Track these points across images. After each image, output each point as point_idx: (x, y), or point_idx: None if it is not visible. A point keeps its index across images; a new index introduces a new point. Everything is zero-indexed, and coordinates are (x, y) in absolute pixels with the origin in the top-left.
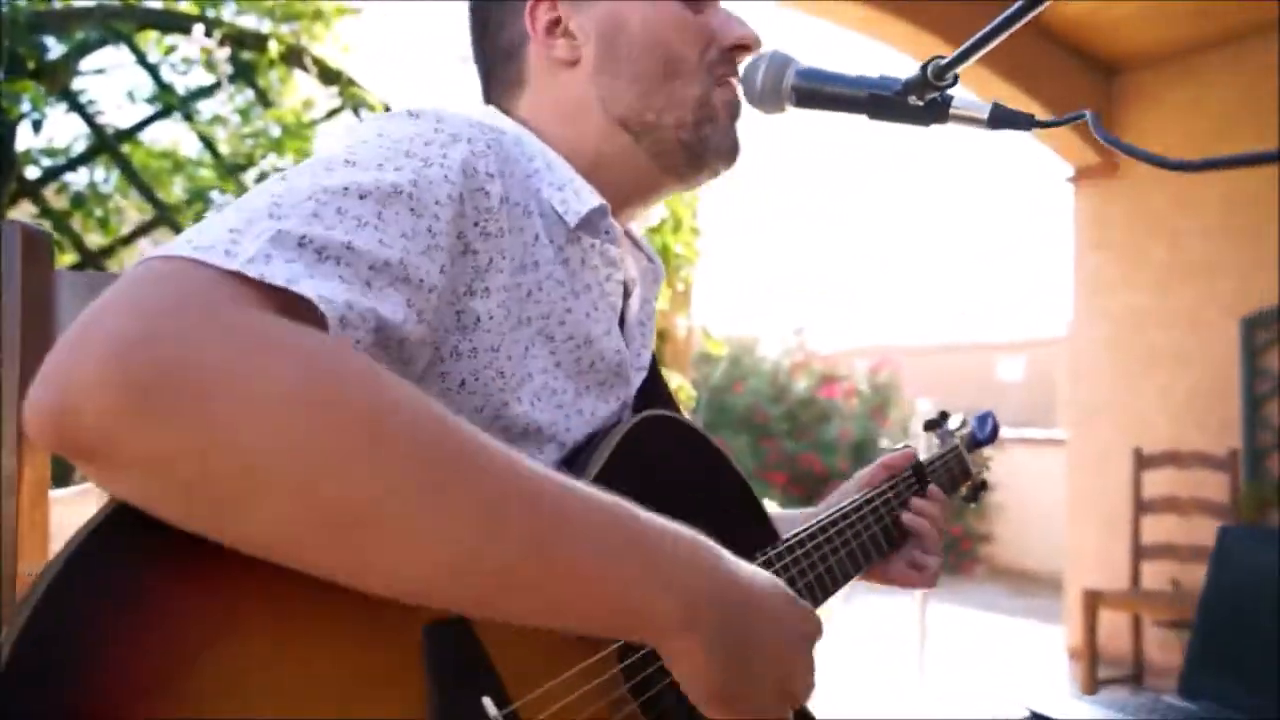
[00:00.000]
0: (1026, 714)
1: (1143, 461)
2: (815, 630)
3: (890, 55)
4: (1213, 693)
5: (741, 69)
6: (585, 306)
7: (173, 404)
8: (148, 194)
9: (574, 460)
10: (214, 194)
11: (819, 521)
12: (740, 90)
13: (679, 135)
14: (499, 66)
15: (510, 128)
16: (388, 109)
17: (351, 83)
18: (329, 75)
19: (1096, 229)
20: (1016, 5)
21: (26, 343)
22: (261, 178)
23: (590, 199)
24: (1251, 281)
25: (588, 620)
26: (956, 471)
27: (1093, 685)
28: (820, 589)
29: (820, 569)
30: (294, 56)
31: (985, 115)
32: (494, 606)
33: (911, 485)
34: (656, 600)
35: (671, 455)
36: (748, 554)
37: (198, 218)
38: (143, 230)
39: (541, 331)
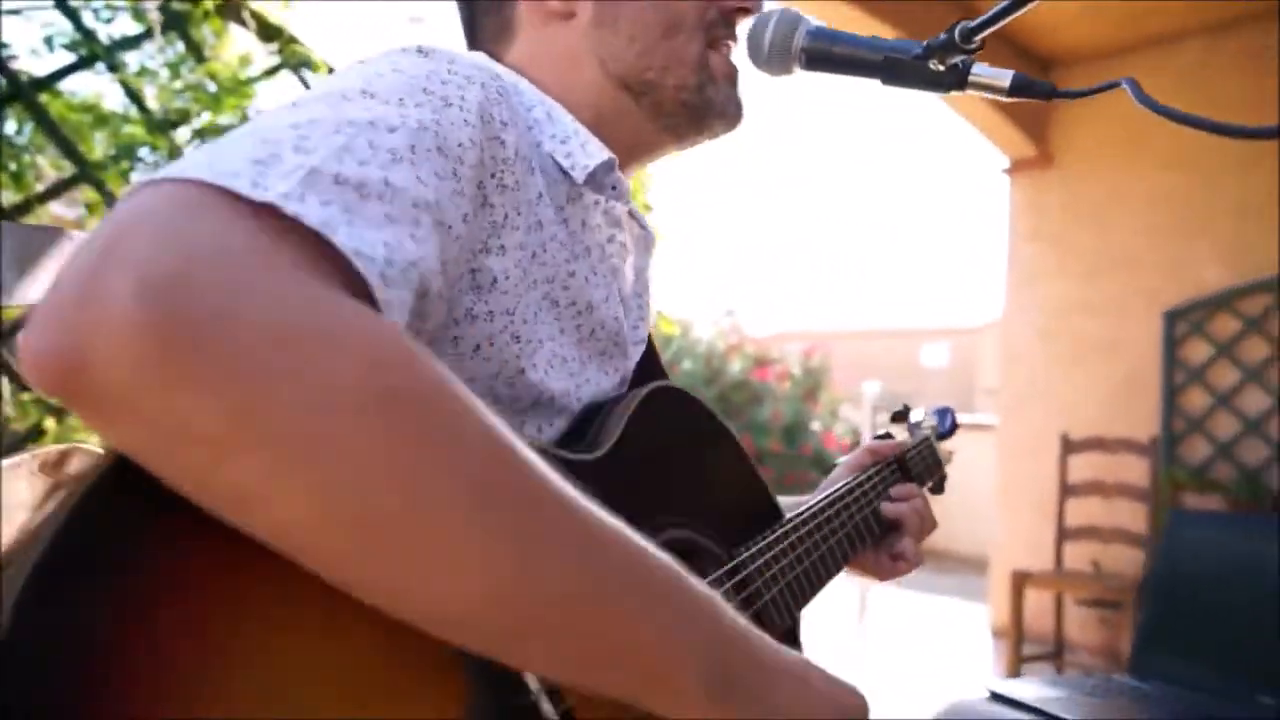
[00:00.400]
0: (986, 694)
1: (1069, 447)
2: (861, 708)
3: None
4: (1162, 672)
5: (745, 27)
6: (585, 270)
7: (216, 366)
8: (67, 149)
9: (583, 430)
10: (143, 151)
11: (813, 506)
12: (741, 53)
13: (680, 96)
14: (485, 12)
15: (506, 75)
16: (331, 70)
17: (293, 40)
18: (268, 31)
19: (1031, 219)
20: None
21: None
22: (198, 136)
23: (598, 152)
24: (1174, 275)
25: (606, 680)
26: (930, 462)
27: (1017, 663)
28: (815, 577)
29: (814, 556)
30: (230, 9)
31: (1006, 83)
32: (510, 648)
33: (895, 474)
34: (688, 671)
35: (683, 430)
36: (757, 532)
37: (123, 176)
38: (61, 187)
39: (547, 296)
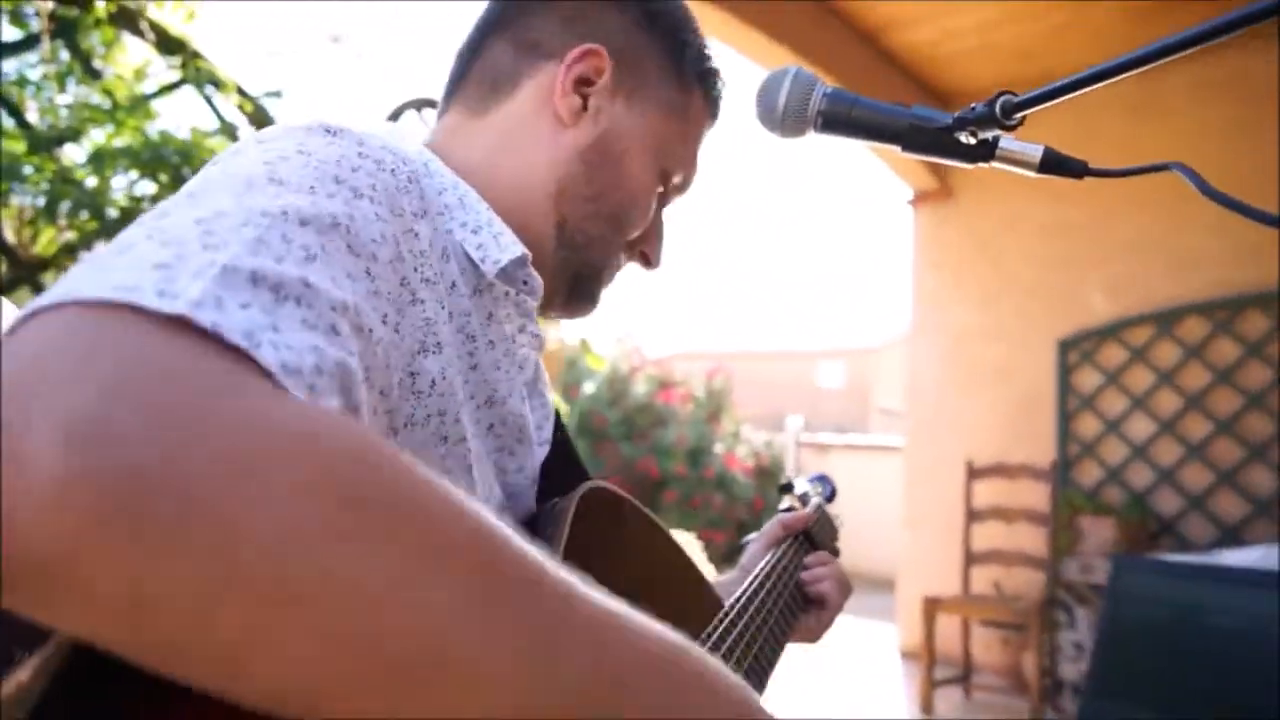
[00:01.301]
0: None
1: (973, 473)
2: None
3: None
4: (1112, 717)
5: (759, 90)
6: (490, 362)
7: (171, 514)
8: None
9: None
10: (27, 169)
11: (749, 590)
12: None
13: (583, 270)
14: (506, 48)
15: (416, 156)
16: (241, 90)
17: (197, 55)
18: (169, 44)
19: (933, 249)
20: (1111, 63)
21: None
22: (95, 160)
23: (511, 246)
24: (1066, 305)
25: None
26: (829, 529)
27: (930, 689)
28: (767, 659)
29: (759, 642)
30: (125, 18)
31: (1037, 158)
32: None
33: (805, 545)
34: None
35: (619, 531)
36: (699, 629)
37: None
38: None
39: (472, 384)
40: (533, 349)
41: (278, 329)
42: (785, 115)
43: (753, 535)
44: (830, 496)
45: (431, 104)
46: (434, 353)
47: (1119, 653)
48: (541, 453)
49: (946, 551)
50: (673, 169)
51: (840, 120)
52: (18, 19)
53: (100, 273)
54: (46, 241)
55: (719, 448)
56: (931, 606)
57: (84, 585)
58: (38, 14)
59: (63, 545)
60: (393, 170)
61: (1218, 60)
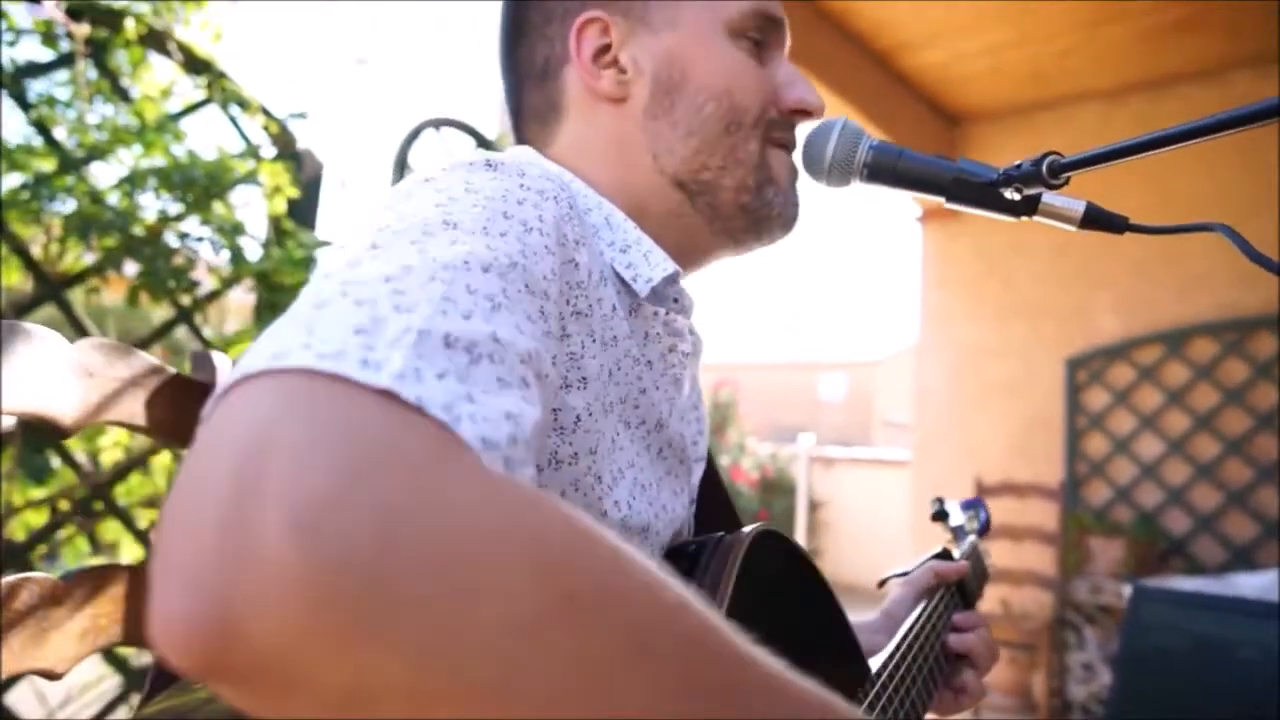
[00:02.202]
0: None
1: (981, 491)
2: None
3: None
4: None
5: (804, 136)
6: (651, 385)
7: (396, 614)
8: None
9: (690, 574)
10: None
11: (898, 652)
12: (799, 158)
13: (739, 198)
14: (531, 86)
15: (555, 171)
16: (265, 111)
17: (223, 76)
18: (195, 64)
19: (941, 266)
20: (1165, 132)
21: None
22: (129, 182)
23: (664, 265)
24: (1074, 324)
25: None
26: (979, 572)
27: None
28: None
29: (908, 703)
30: (154, 39)
31: (1079, 214)
32: None
33: (956, 598)
34: None
35: (784, 578)
36: (850, 690)
37: (31, 216)
38: None
39: (622, 417)
40: (683, 368)
41: (473, 399)
42: (832, 166)
43: (897, 571)
44: (983, 528)
45: (451, 123)
46: (578, 388)
47: (1138, 683)
48: (699, 469)
49: None
50: (736, 20)
51: (885, 171)
52: (50, 40)
53: (304, 334)
54: (73, 259)
55: (724, 459)
56: None
57: (306, 681)
58: (69, 35)
59: (291, 640)
60: (555, 198)
61: (1220, 82)
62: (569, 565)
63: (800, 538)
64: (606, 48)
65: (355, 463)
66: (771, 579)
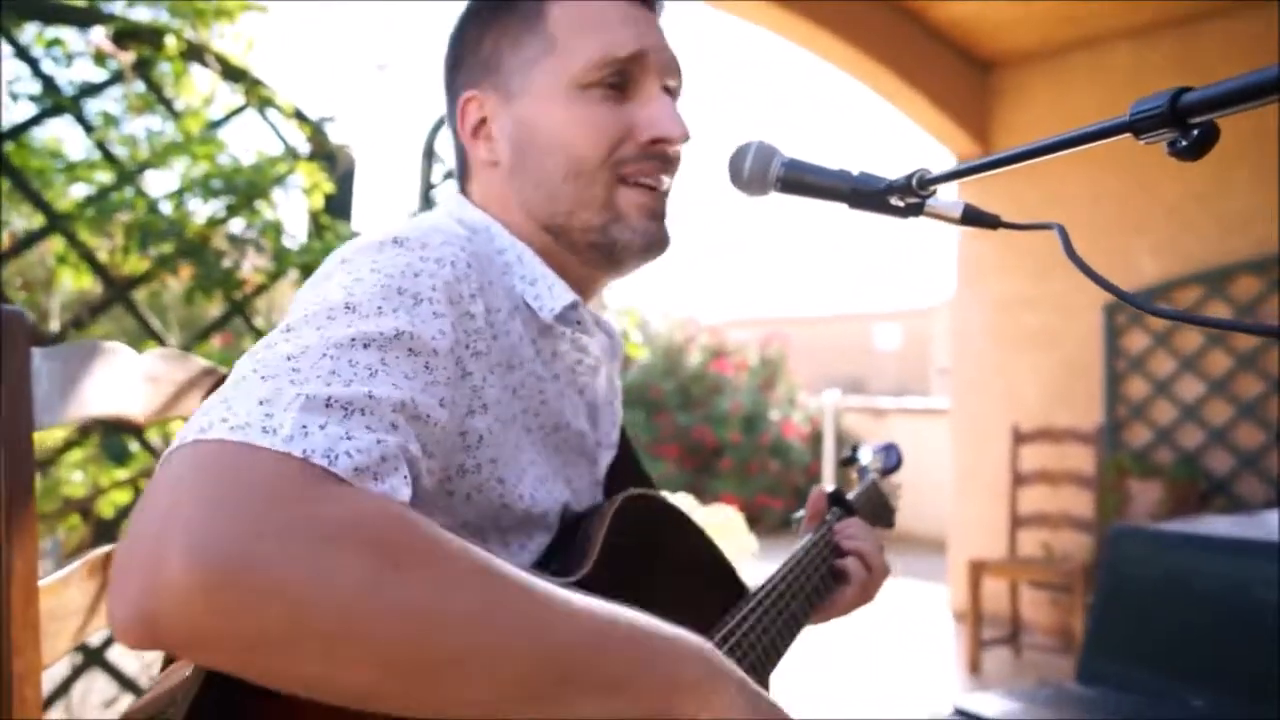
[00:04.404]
0: (953, 711)
1: (1020, 438)
2: None
3: (793, 51)
4: (1107, 678)
5: (727, 155)
6: (555, 393)
7: (258, 597)
8: (36, 199)
9: (570, 542)
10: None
11: (774, 579)
12: (666, 188)
13: (588, 237)
14: (458, 153)
15: (478, 220)
16: (298, 113)
17: (257, 82)
18: (232, 72)
19: None
20: (1016, 150)
21: (9, 425)
22: (179, 192)
23: (563, 295)
24: (1114, 270)
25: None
26: (878, 503)
27: (977, 649)
28: (781, 641)
29: (778, 625)
30: (193, 52)
31: (958, 215)
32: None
33: (839, 517)
34: (684, 669)
35: (654, 531)
36: (727, 612)
37: (94, 226)
38: (31, 239)
39: (525, 425)
40: (591, 377)
41: (350, 436)
42: (750, 181)
43: (800, 514)
44: (894, 467)
45: None
46: (480, 413)
47: (1116, 615)
48: (607, 455)
49: (994, 515)
50: (580, 74)
51: (795, 184)
52: (100, 59)
53: (223, 409)
54: (135, 261)
55: (774, 414)
56: (977, 569)
57: (202, 647)
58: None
59: (187, 624)
60: (452, 263)
61: (1256, 13)
62: (394, 543)
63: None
64: (483, 120)
65: (237, 506)
66: (642, 530)
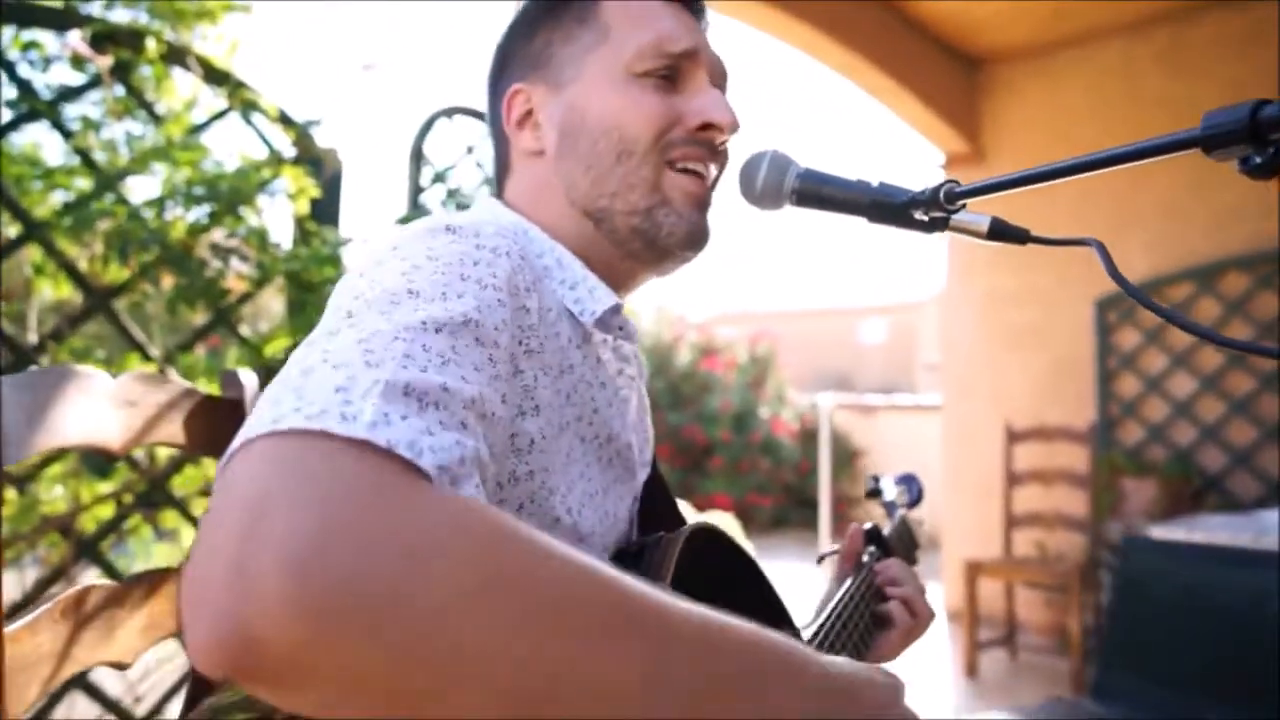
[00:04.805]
0: None
1: (1012, 437)
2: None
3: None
4: (1120, 694)
5: (738, 164)
6: (604, 403)
7: (366, 621)
8: (15, 208)
9: (636, 568)
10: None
11: (820, 626)
12: (712, 179)
13: (631, 221)
14: (498, 152)
15: (516, 223)
16: (284, 115)
17: (240, 85)
18: (215, 75)
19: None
20: (1050, 166)
21: None
22: (165, 197)
23: (606, 298)
24: (1101, 267)
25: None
26: (909, 542)
27: (974, 651)
28: None
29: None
30: (174, 54)
31: (985, 228)
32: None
33: (877, 557)
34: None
35: (717, 567)
36: None
37: (72, 234)
38: (8, 248)
39: (577, 433)
40: (632, 390)
41: (432, 432)
42: (763, 193)
43: (834, 549)
44: (917, 500)
45: (461, 111)
46: (531, 415)
47: (1129, 628)
48: (644, 473)
49: (987, 514)
50: (633, 62)
51: (812, 196)
52: (78, 63)
53: (294, 399)
54: (116, 270)
55: (764, 412)
56: (973, 570)
57: (306, 679)
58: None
59: (290, 648)
60: (508, 253)
61: (1246, 8)
62: (495, 554)
63: (824, 494)
64: (529, 113)
65: (332, 507)
66: (706, 569)
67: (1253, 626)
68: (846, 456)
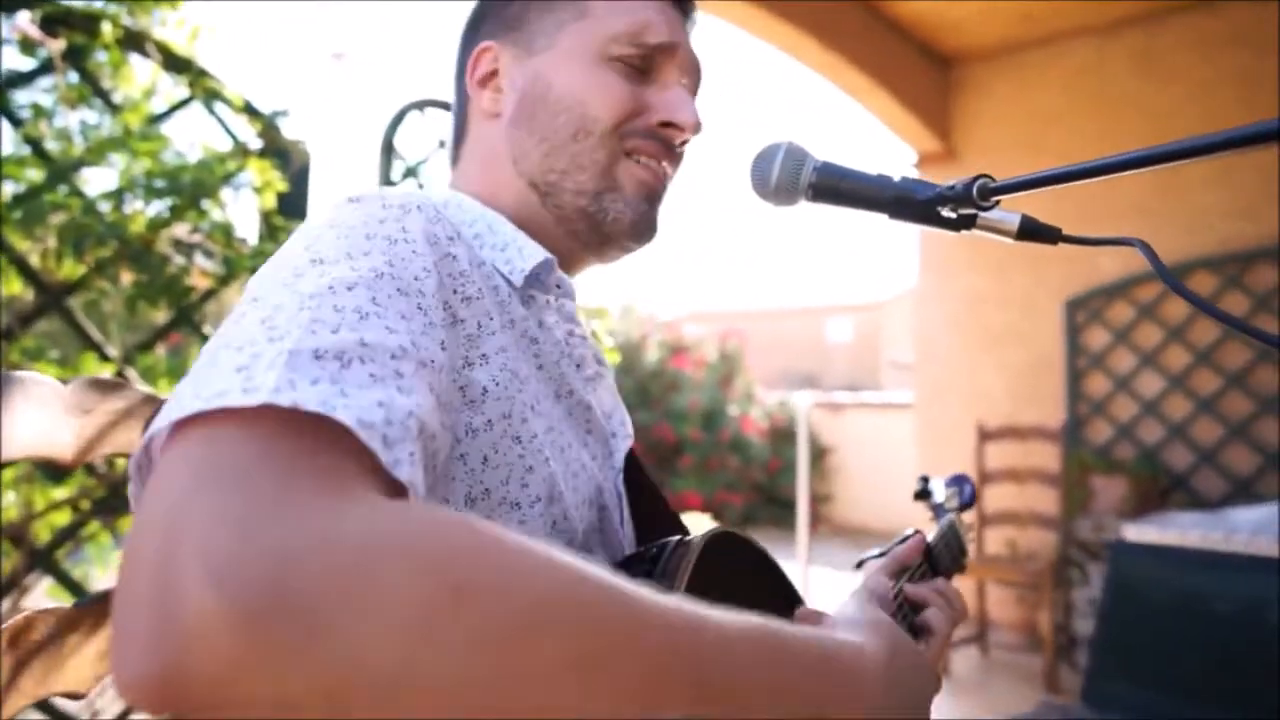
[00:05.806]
0: None
1: (985, 435)
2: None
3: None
4: (1111, 699)
5: (751, 158)
6: (554, 360)
7: (298, 637)
8: None
9: (649, 575)
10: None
11: None
12: (666, 176)
13: (578, 201)
14: (457, 108)
15: (444, 195)
16: (249, 105)
17: (203, 73)
18: (175, 62)
19: None
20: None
21: None
22: (118, 193)
23: (535, 253)
24: (1073, 267)
25: None
26: (956, 548)
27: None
28: None
29: None
30: (132, 40)
31: (1015, 227)
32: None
33: (926, 574)
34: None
35: (739, 570)
36: None
37: (23, 228)
38: None
39: (539, 384)
40: (585, 349)
41: (346, 394)
42: (778, 187)
43: (874, 552)
44: (968, 502)
45: (433, 103)
46: (480, 365)
47: (1121, 634)
48: (624, 444)
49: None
50: (608, 44)
51: (830, 191)
52: (28, 47)
53: (194, 389)
54: (71, 266)
55: (733, 410)
56: None
57: (243, 700)
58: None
59: (220, 673)
60: (418, 207)
61: (1218, 11)
62: (450, 562)
63: (802, 492)
64: (494, 73)
65: (249, 515)
66: (728, 574)
67: (1246, 632)
68: (816, 454)
